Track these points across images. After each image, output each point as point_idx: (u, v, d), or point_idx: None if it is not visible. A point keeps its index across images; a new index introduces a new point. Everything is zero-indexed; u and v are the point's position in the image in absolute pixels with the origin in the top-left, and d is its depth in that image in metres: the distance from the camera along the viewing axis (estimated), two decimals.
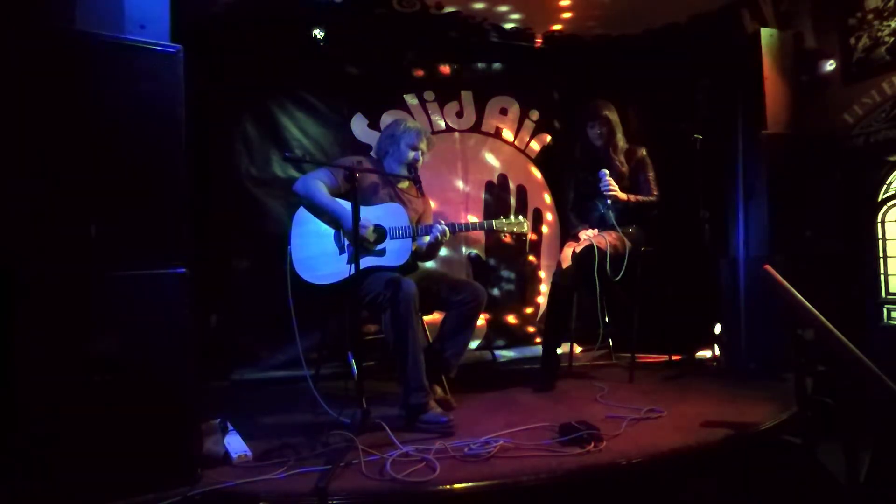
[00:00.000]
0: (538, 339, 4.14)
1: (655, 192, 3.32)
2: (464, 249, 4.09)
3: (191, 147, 1.87)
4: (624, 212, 3.25)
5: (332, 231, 2.69)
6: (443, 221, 2.74)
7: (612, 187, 3.15)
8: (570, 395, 2.96)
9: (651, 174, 3.34)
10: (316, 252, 2.65)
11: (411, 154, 2.79)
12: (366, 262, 2.63)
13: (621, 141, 3.35)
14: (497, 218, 2.94)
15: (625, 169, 3.30)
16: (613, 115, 3.32)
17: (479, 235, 4.12)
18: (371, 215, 2.67)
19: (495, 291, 4.14)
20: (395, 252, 2.68)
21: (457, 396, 2.78)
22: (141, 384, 1.75)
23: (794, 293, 1.98)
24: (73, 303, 1.71)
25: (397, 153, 2.81)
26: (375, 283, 2.53)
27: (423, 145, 2.82)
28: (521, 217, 2.87)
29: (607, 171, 3.16)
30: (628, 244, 3.22)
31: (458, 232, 2.83)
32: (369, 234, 2.62)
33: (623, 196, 3.19)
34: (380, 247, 2.67)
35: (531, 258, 4.30)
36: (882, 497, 1.89)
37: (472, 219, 4.04)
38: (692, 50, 3.96)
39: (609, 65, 4.20)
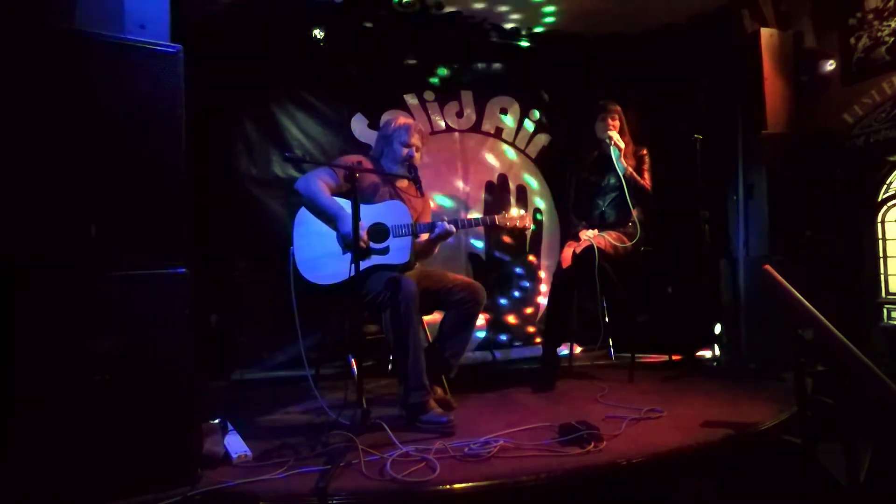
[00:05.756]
0: (538, 339, 4.14)
1: (649, 185, 3.34)
2: (463, 249, 4.09)
3: (191, 147, 1.86)
4: (622, 204, 3.26)
5: (334, 231, 2.69)
6: (446, 218, 2.74)
7: (615, 132, 3.25)
8: (570, 395, 2.96)
9: (647, 169, 3.37)
10: (319, 252, 2.64)
11: (404, 151, 2.79)
12: (368, 260, 2.63)
13: (630, 143, 3.37)
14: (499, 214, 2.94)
15: (630, 163, 3.31)
16: (622, 115, 3.39)
17: (479, 235, 4.12)
18: (372, 214, 2.67)
19: (495, 291, 4.14)
20: (397, 250, 2.68)
21: (457, 396, 2.78)
22: (141, 384, 1.75)
23: (794, 293, 1.98)
24: (73, 303, 1.71)
25: (391, 152, 2.82)
26: (376, 282, 2.53)
27: (414, 140, 2.81)
28: (521, 211, 2.87)
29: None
30: (628, 244, 3.23)
31: (462, 228, 2.83)
32: (364, 240, 2.62)
33: (621, 146, 3.25)
34: (383, 245, 2.67)
35: (531, 258, 4.30)
36: (882, 497, 1.89)
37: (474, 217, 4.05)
38: (692, 50, 3.96)
39: (609, 65, 4.20)
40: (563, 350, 3.50)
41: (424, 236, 2.78)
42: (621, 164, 3.24)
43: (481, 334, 4.05)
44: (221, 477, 1.83)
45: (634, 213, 3.25)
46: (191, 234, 1.87)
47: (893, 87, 3.16)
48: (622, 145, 3.26)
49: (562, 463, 1.95)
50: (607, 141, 3.29)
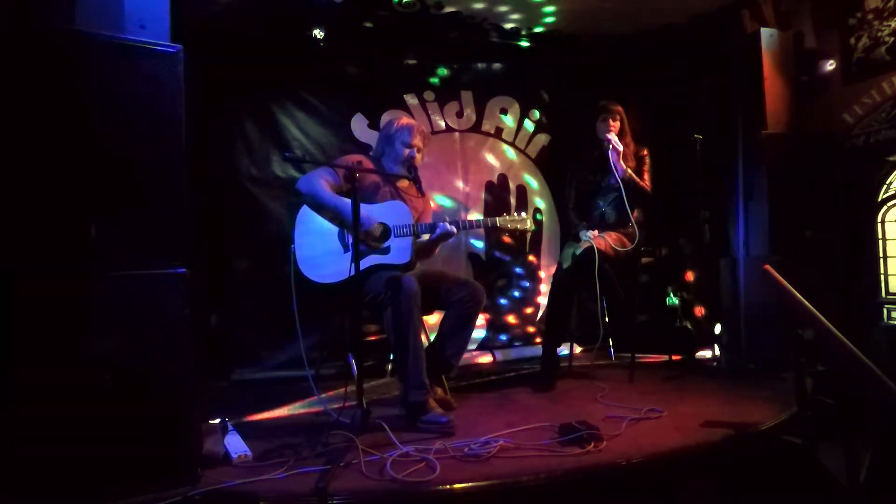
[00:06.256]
0: (538, 339, 4.14)
1: (649, 186, 3.33)
2: (463, 249, 4.09)
3: (191, 147, 1.86)
4: (620, 206, 3.26)
5: (335, 229, 2.69)
6: (447, 218, 2.73)
7: (614, 135, 3.24)
8: (570, 395, 2.96)
9: (647, 169, 3.37)
10: (320, 251, 2.64)
11: (406, 151, 2.79)
12: (369, 260, 2.63)
13: (631, 144, 3.37)
14: (500, 216, 2.94)
15: (631, 164, 3.31)
16: (623, 115, 3.38)
17: (479, 235, 4.12)
18: (375, 213, 2.67)
19: (495, 291, 4.13)
20: (398, 250, 2.68)
21: (457, 396, 2.78)
22: (141, 384, 1.75)
23: (794, 293, 1.98)
24: (73, 303, 1.71)
25: (393, 152, 2.82)
26: (376, 282, 2.53)
27: (416, 141, 2.81)
28: (523, 214, 2.87)
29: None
30: (629, 247, 3.22)
31: (464, 229, 2.84)
32: (375, 229, 2.62)
33: (619, 148, 3.24)
34: (384, 245, 2.68)
35: (531, 258, 4.30)
36: (882, 497, 1.89)
37: (474, 217, 4.05)
38: (692, 50, 3.96)
39: (609, 65, 4.20)
40: (563, 350, 3.50)
41: (425, 236, 2.78)
42: (619, 168, 3.23)
43: (481, 334, 4.05)
44: (221, 477, 1.83)
45: (634, 215, 3.25)
46: (191, 234, 1.87)
47: (893, 87, 3.16)
48: (620, 148, 3.25)
49: (562, 463, 1.95)
50: (605, 144, 3.29)
